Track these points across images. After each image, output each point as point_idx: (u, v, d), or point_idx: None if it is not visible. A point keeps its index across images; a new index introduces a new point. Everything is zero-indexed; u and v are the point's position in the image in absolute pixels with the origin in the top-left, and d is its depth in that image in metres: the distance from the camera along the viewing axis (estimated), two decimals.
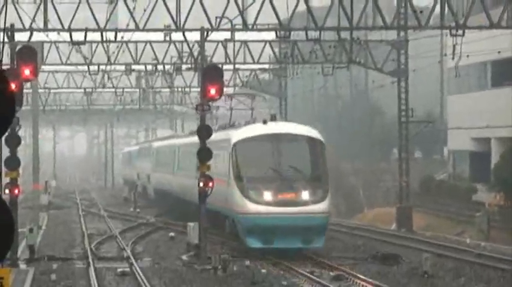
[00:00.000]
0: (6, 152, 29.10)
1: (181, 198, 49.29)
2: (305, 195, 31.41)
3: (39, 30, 36.15)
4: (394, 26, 38.88)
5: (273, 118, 36.85)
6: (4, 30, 28.31)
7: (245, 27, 37.47)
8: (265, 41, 46.53)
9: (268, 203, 31.33)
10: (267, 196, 31.24)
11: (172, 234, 40.99)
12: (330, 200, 32.80)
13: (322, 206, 31.59)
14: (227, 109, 48.31)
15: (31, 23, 36.22)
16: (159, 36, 42.46)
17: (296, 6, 36.33)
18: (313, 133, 35.06)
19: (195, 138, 39.29)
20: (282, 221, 30.90)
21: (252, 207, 31.31)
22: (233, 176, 32.91)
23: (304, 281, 27.88)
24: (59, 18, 36.59)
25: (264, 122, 35.29)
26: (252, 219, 31.15)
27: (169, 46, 45.92)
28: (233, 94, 50.19)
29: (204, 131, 31.90)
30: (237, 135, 34.80)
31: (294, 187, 31.81)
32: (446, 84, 58.89)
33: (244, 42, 45.51)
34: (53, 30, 37.20)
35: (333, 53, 45.29)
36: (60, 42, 43.33)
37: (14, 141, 29.44)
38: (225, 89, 38.21)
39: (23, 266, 30.62)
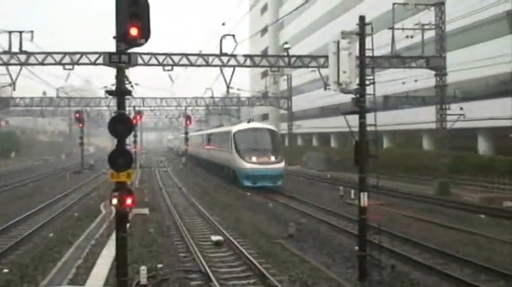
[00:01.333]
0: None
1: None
2: (272, 158, 41.26)
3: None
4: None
5: (250, 120, 49.63)
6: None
7: None
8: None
9: (254, 163, 40.86)
10: (253, 159, 41.00)
11: (183, 162, 75.71)
12: (284, 162, 42.70)
13: (281, 165, 41.68)
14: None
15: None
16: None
17: None
18: (273, 127, 48.14)
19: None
20: (261, 172, 40.55)
21: (246, 165, 41.10)
22: (234, 149, 42.79)
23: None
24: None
25: (248, 121, 48.71)
26: (246, 171, 41.09)
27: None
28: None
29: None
30: (235, 128, 45.43)
31: (266, 155, 41.38)
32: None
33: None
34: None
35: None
36: None
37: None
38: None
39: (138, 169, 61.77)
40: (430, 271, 16.80)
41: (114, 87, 12.37)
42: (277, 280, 15.47)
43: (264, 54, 57.57)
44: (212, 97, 71.52)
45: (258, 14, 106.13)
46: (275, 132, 45.19)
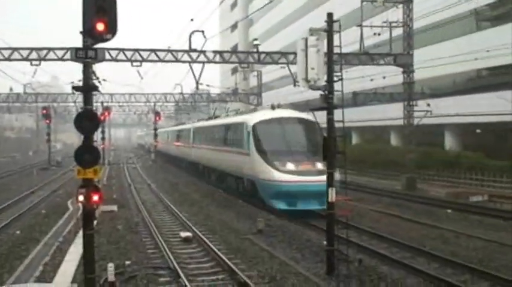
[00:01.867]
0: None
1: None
2: (320, 166, 26.38)
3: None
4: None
5: (273, 107, 32.67)
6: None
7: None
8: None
9: (291, 173, 27.23)
10: (290, 166, 27.38)
11: (152, 158, 76.83)
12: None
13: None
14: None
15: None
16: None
17: None
18: (310, 116, 29.54)
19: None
20: (303, 188, 26.50)
21: (278, 175, 27.33)
22: (256, 150, 29.29)
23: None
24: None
25: (272, 108, 32.67)
26: (279, 186, 27.31)
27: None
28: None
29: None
30: (254, 118, 31.25)
31: (309, 159, 27.70)
32: None
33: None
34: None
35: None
36: None
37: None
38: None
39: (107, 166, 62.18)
40: (397, 265, 16.98)
41: (81, 83, 12.27)
42: (246, 276, 15.50)
43: (234, 51, 57.57)
44: (182, 93, 71.14)
45: (227, 9, 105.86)
46: (317, 125, 28.91)
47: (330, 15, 15.89)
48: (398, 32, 40.09)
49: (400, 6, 39.98)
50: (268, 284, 15.15)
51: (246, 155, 30.70)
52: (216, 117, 49.34)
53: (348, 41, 22.61)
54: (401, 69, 39.83)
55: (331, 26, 15.78)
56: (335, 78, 15.91)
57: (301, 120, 30.75)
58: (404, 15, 39.70)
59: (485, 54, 36.68)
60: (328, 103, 15.74)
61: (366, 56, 38.91)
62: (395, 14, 40.11)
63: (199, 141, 48.23)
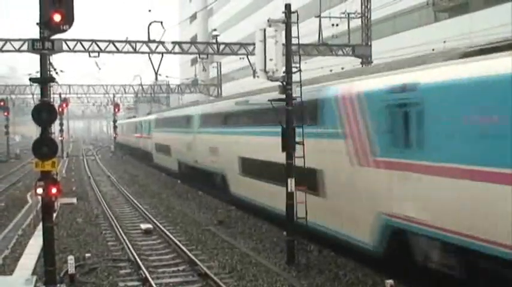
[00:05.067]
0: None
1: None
2: None
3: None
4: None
5: None
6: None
7: None
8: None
9: None
10: None
11: (111, 150, 76.36)
12: None
13: None
14: None
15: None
16: None
17: None
18: None
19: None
20: None
21: None
22: None
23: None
24: None
25: None
26: None
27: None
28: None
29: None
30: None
31: None
32: None
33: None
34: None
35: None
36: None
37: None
38: None
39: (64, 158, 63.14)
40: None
41: (38, 75, 12.17)
42: (206, 267, 15.61)
43: (193, 41, 57.34)
44: (141, 84, 70.69)
45: (186, 0, 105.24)
46: None
47: (287, 6, 16.02)
48: (357, 23, 40.43)
49: None
50: (229, 274, 15.29)
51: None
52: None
53: (306, 32, 22.79)
54: (359, 60, 40.20)
55: (289, 17, 15.92)
56: (293, 69, 16.07)
57: None
58: (363, 6, 40.03)
59: (443, 45, 37.20)
60: (286, 94, 15.88)
61: (324, 47, 39.12)
62: (354, 5, 40.40)
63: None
